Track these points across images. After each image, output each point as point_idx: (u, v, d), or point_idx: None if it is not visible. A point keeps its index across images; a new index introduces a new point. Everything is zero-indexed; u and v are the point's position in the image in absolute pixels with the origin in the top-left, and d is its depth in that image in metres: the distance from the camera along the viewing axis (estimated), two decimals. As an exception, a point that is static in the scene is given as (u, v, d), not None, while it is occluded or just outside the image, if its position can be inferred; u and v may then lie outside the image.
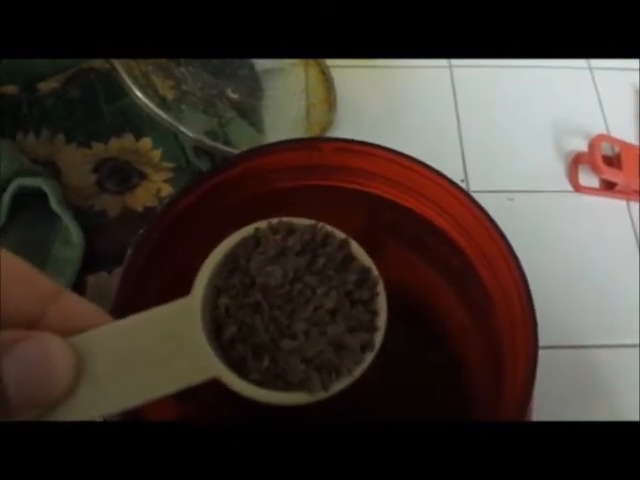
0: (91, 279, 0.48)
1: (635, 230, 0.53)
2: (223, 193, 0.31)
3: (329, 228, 0.24)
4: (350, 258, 0.23)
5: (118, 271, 0.48)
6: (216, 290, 0.22)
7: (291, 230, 0.23)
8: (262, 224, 0.24)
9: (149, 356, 0.21)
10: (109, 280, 0.48)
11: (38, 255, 0.48)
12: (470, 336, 0.35)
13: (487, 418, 0.31)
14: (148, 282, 0.28)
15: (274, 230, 0.23)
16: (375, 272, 0.23)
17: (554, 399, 0.47)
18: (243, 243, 0.23)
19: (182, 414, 0.33)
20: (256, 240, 0.23)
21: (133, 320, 0.21)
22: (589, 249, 0.53)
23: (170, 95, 0.52)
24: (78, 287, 0.47)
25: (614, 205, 0.54)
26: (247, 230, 0.23)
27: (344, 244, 0.23)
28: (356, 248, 0.24)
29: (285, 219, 0.24)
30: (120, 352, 0.20)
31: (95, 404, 0.20)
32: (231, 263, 0.23)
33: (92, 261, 0.48)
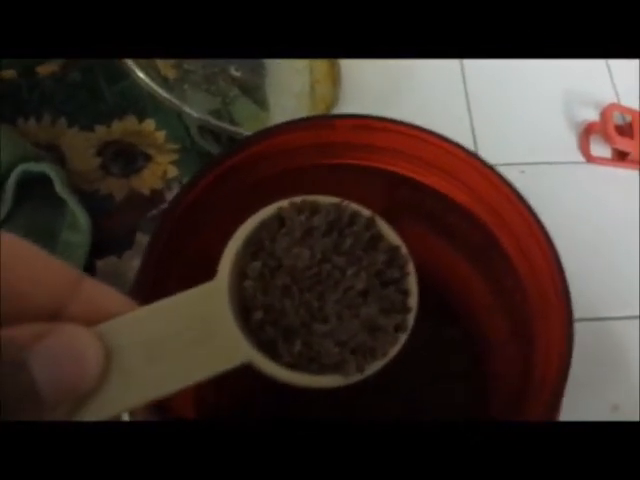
0: (100, 263, 0.47)
1: (648, 199, 0.53)
2: (238, 175, 0.30)
3: (354, 206, 0.23)
4: (378, 237, 0.23)
5: (128, 254, 0.47)
6: (241, 272, 0.22)
7: (315, 209, 0.23)
8: (284, 203, 0.23)
9: (177, 342, 0.20)
10: (119, 264, 0.47)
11: (46, 241, 0.47)
12: (492, 313, 0.34)
13: (513, 395, 0.31)
14: (168, 267, 0.28)
15: (298, 209, 0.23)
16: (404, 250, 0.23)
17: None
18: (266, 223, 0.22)
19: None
20: (280, 220, 0.22)
21: (159, 306, 0.20)
22: (602, 219, 0.52)
23: (172, 75, 0.51)
24: (88, 272, 0.47)
25: (626, 175, 0.53)
26: (269, 210, 0.23)
27: (371, 222, 0.23)
28: (383, 226, 0.23)
29: (309, 197, 0.23)
30: (148, 339, 0.20)
31: (126, 394, 0.19)
32: (255, 244, 0.22)
33: (100, 245, 0.47)
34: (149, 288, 0.26)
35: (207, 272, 0.22)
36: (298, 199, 0.23)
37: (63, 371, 0.18)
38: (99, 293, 0.20)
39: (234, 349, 0.20)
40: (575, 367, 0.46)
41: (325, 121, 0.32)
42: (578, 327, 0.49)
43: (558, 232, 0.52)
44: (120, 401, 0.19)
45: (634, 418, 0.45)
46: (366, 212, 0.23)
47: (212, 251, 0.23)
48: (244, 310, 0.21)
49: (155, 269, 0.27)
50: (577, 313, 0.49)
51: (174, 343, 0.20)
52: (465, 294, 0.37)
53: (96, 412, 0.19)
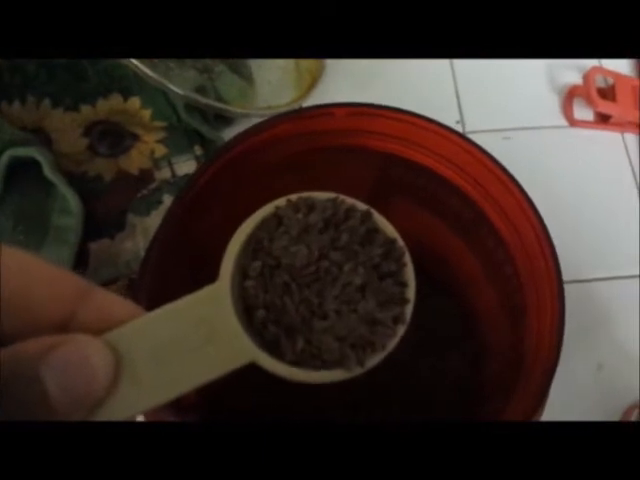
0: (93, 246, 0.48)
1: (631, 161, 0.53)
2: (245, 161, 0.31)
3: (350, 200, 0.24)
4: (374, 230, 0.23)
5: (120, 236, 0.48)
6: (242, 272, 0.22)
7: (312, 206, 0.23)
8: (281, 201, 0.23)
9: (184, 345, 0.21)
10: (112, 246, 0.48)
11: (38, 226, 0.47)
12: (483, 285, 0.35)
13: (507, 365, 0.32)
14: (174, 253, 0.28)
15: (295, 207, 0.23)
16: (400, 242, 0.23)
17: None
18: (265, 223, 0.23)
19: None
20: (277, 219, 0.23)
21: (164, 311, 0.21)
22: (586, 182, 0.53)
23: (156, 52, 0.50)
24: (81, 255, 0.47)
25: (609, 137, 0.54)
26: (267, 209, 0.23)
27: (367, 216, 0.23)
28: (379, 219, 0.24)
29: (304, 194, 0.23)
30: (155, 343, 0.20)
31: (137, 398, 0.20)
32: (254, 244, 0.23)
33: (92, 228, 0.48)
34: (155, 274, 0.27)
35: (212, 259, 0.23)
36: (294, 197, 0.23)
37: (74, 381, 0.19)
38: (107, 301, 0.21)
39: (239, 349, 0.21)
40: (562, 328, 0.48)
41: (325, 110, 0.32)
42: (564, 288, 0.50)
43: (542, 195, 0.53)
44: (132, 405, 0.20)
45: (618, 376, 0.47)
46: (362, 206, 0.24)
47: (216, 241, 0.23)
48: (247, 309, 0.22)
49: (161, 256, 0.27)
50: (563, 275, 0.51)
51: (181, 346, 0.21)
52: (456, 267, 0.38)
53: (108, 417, 0.20)
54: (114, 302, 0.21)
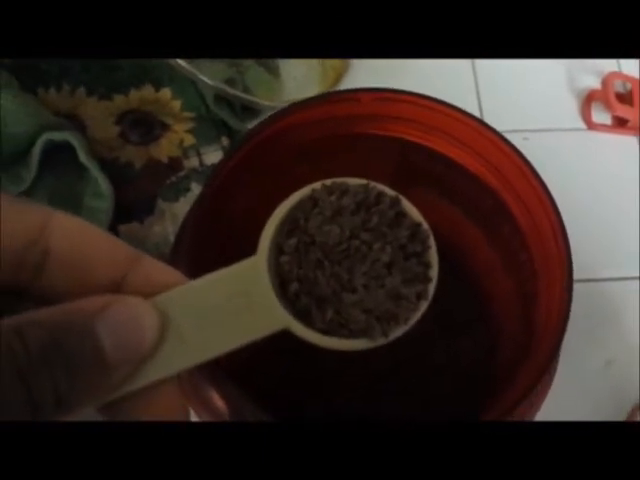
0: (123, 228, 0.50)
1: (646, 165, 0.55)
2: (273, 144, 0.32)
3: (380, 187, 0.25)
4: (401, 214, 0.25)
5: (149, 220, 0.50)
6: (278, 249, 0.24)
7: (345, 190, 0.25)
8: (317, 185, 0.25)
9: (224, 311, 0.22)
10: (141, 229, 0.50)
11: (70, 207, 0.49)
12: (498, 272, 0.37)
13: (517, 350, 0.34)
14: (208, 230, 0.30)
15: (329, 191, 0.25)
16: (425, 226, 0.25)
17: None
18: (301, 204, 0.25)
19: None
20: (313, 201, 0.25)
21: (207, 279, 0.23)
22: (601, 185, 0.54)
23: (189, 45, 0.52)
24: (111, 237, 0.49)
25: (626, 141, 0.55)
26: (303, 192, 0.25)
27: (395, 201, 0.25)
28: (406, 204, 0.25)
29: (338, 180, 0.25)
30: (197, 309, 0.22)
31: (180, 357, 0.22)
32: (290, 223, 0.24)
33: (123, 211, 0.49)
34: (191, 251, 0.28)
35: (246, 234, 0.24)
36: (329, 181, 0.25)
37: (126, 337, 0.20)
38: (155, 268, 0.22)
39: (274, 317, 0.23)
40: (573, 325, 0.49)
41: (352, 95, 0.33)
42: (577, 287, 0.51)
43: (559, 196, 0.54)
44: (174, 363, 0.22)
45: (626, 373, 0.49)
46: (391, 192, 0.25)
47: (247, 218, 0.25)
48: (281, 283, 0.24)
49: (196, 233, 0.29)
50: (576, 274, 0.52)
51: (221, 312, 0.22)
52: (473, 254, 0.39)
53: (153, 374, 0.22)
54: (161, 269, 0.23)
